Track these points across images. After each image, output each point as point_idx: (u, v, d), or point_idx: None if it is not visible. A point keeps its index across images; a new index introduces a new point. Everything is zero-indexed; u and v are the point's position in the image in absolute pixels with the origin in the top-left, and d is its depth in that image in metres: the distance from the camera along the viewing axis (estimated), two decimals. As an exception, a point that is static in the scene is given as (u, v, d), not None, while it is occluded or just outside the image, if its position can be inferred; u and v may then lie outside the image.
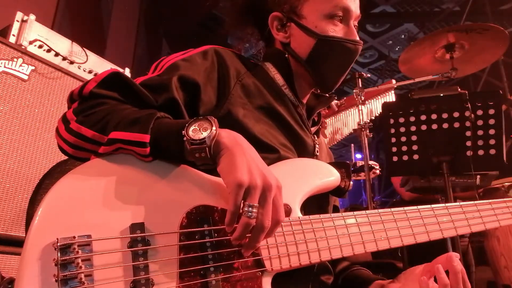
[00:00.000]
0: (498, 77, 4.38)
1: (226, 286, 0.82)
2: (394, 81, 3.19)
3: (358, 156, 5.47)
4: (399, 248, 2.12)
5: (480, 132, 1.92)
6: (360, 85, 2.94)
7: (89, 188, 0.79)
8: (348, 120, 3.35)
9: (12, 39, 2.12)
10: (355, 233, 1.00)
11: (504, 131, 1.91)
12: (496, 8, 4.89)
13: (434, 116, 1.96)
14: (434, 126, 1.96)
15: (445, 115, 1.95)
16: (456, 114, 1.93)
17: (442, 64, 2.82)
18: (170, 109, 0.94)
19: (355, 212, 1.03)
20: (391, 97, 3.24)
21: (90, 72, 2.45)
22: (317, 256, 0.94)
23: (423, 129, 1.97)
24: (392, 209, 1.07)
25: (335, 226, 0.98)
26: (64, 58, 2.33)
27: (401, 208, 1.08)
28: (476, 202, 1.19)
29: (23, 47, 2.13)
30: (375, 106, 3.23)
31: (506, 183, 2.52)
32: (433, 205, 1.12)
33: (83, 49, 2.47)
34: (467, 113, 1.91)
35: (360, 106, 2.88)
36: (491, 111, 1.91)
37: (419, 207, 1.10)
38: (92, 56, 2.51)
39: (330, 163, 1.10)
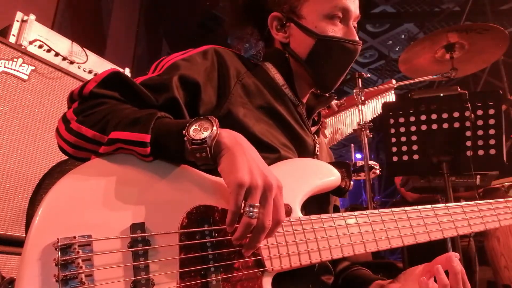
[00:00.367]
0: (498, 77, 4.38)
1: (226, 286, 0.82)
2: (394, 81, 3.19)
3: (358, 156, 5.48)
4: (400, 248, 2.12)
5: (480, 132, 1.92)
6: (360, 85, 2.94)
7: (89, 188, 0.79)
8: (348, 120, 3.35)
9: (12, 39, 2.12)
10: (356, 233, 1.00)
11: (504, 131, 1.91)
12: (496, 8, 4.89)
13: (434, 116, 1.96)
14: (434, 126, 1.96)
15: (445, 115, 1.95)
16: (456, 114, 1.93)
17: (442, 64, 2.82)
18: (171, 108, 0.94)
19: (356, 212, 1.03)
20: (391, 97, 3.24)
21: (90, 72, 2.45)
22: (317, 256, 0.94)
23: (423, 129, 1.97)
24: (393, 209, 1.07)
25: (336, 226, 0.98)
26: (64, 58, 2.33)
27: (402, 208, 1.08)
28: (476, 202, 1.19)
29: (23, 47, 2.13)
30: (375, 106, 3.23)
31: (506, 183, 2.52)
32: (433, 205, 1.12)
33: (83, 49, 2.46)
34: (467, 113, 1.91)
35: (360, 106, 2.88)
36: (491, 111, 1.91)
37: (420, 207, 1.10)
38: (92, 56, 2.51)
39: (331, 163, 1.10)
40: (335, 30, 1.17)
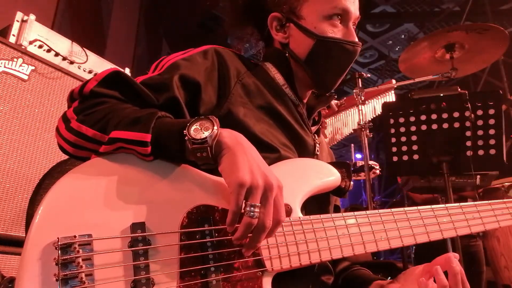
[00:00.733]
0: (498, 77, 4.38)
1: (226, 286, 0.82)
2: (394, 81, 3.19)
3: (358, 156, 5.49)
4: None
5: (480, 132, 1.92)
6: (360, 85, 2.94)
7: (89, 188, 0.79)
8: (348, 120, 3.35)
9: (12, 39, 2.12)
10: (356, 233, 1.00)
11: (504, 131, 1.91)
12: (496, 8, 4.89)
13: (434, 116, 1.96)
14: (434, 126, 1.96)
15: (445, 115, 1.95)
16: (456, 114, 1.94)
17: (442, 64, 2.82)
18: (171, 108, 0.94)
19: (356, 213, 1.03)
20: (391, 97, 3.24)
21: (90, 72, 2.45)
22: (317, 256, 0.94)
23: (423, 129, 1.98)
24: (393, 210, 1.07)
25: (336, 226, 0.98)
26: (64, 58, 2.33)
27: (401, 209, 1.08)
28: (476, 202, 1.19)
29: (23, 47, 2.13)
30: (375, 106, 3.23)
31: (506, 183, 2.52)
32: (433, 206, 1.13)
33: (83, 49, 2.46)
34: (467, 113, 1.91)
35: (360, 106, 2.88)
36: (491, 111, 1.91)
37: (419, 207, 1.10)
38: (92, 56, 2.51)
39: (331, 163, 1.10)
40: (335, 31, 1.16)
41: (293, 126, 1.15)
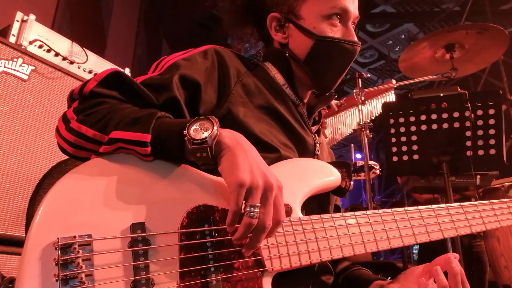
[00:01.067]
0: (498, 77, 4.38)
1: (226, 286, 0.82)
2: (394, 81, 3.19)
3: (358, 156, 5.48)
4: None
5: (480, 132, 1.92)
6: (360, 85, 2.94)
7: (89, 188, 0.79)
8: (348, 120, 3.35)
9: (12, 39, 2.12)
10: (356, 233, 1.00)
11: (504, 131, 1.91)
12: (496, 8, 4.89)
13: (434, 116, 1.96)
14: (434, 126, 1.96)
15: (445, 115, 1.95)
16: (456, 114, 1.94)
17: (442, 64, 2.82)
18: (171, 108, 0.94)
19: (356, 212, 1.03)
20: (391, 97, 3.24)
21: (90, 72, 2.45)
22: (317, 256, 0.94)
23: (423, 129, 1.98)
24: (393, 209, 1.07)
25: (336, 226, 0.98)
26: (64, 58, 2.33)
27: (402, 208, 1.08)
28: (476, 202, 1.19)
29: (23, 47, 2.13)
30: (375, 106, 3.23)
31: (506, 183, 2.52)
32: (433, 206, 1.13)
33: (83, 49, 2.46)
34: (467, 113, 1.91)
35: (360, 106, 2.88)
36: (491, 111, 1.91)
37: (420, 207, 1.10)
38: (92, 56, 2.51)
39: (331, 163, 1.10)
40: (334, 31, 1.16)
41: (293, 126, 1.15)
